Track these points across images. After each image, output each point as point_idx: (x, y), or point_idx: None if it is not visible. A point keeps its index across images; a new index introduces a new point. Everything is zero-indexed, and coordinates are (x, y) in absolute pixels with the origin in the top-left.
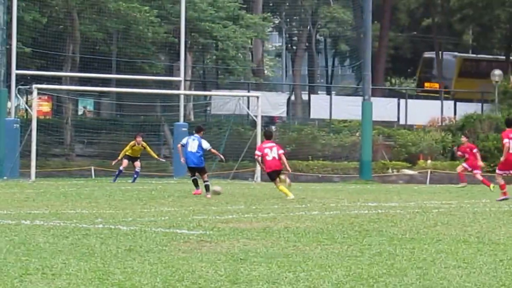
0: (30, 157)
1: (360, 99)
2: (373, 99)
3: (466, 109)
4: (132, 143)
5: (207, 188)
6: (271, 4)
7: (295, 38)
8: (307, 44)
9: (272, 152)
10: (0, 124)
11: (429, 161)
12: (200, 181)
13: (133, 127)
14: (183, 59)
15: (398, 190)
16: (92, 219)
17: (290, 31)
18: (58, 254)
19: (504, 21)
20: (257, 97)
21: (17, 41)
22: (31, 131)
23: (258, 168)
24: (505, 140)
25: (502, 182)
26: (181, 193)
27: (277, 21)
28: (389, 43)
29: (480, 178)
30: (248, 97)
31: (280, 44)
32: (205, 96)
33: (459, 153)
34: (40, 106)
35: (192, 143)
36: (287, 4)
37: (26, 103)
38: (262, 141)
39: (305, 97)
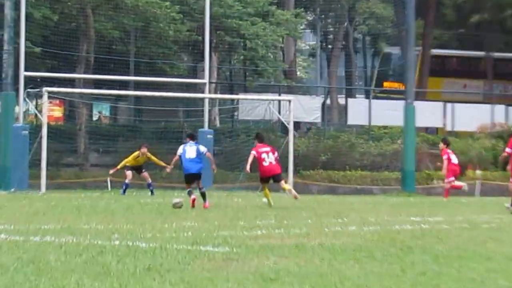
0: (40, 166)
1: (402, 103)
2: (416, 103)
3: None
4: (136, 153)
5: (204, 196)
6: None
7: (331, 36)
8: (343, 42)
9: (269, 157)
10: (8, 131)
11: (478, 171)
12: (196, 193)
13: (153, 134)
14: (207, 59)
15: (444, 203)
16: (108, 235)
17: (325, 29)
18: (70, 273)
19: None
20: (289, 101)
21: (26, 40)
22: (41, 138)
23: (291, 178)
24: None
25: None
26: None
27: (310, 18)
28: (433, 41)
29: None
30: (279, 101)
31: (314, 43)
32: (232, 100)
33: None
34: (51, 111)
35: (190, 149)
36: None
37: (36, 107)
38: (255, 145)
39: (341, 101)
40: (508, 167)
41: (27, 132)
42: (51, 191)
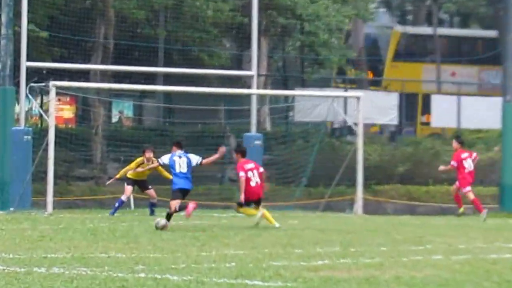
0: (45, 180)
1: (499, 100)
2: None
3: None
4: (139, 159)
5: (169, 217)
6: None
7: (410, 17)
8: (426, 25)
9: (254, 175)
10: (5, 136)
11: None
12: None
13: (187, 140)
14: (255, 46)
15: None
16: (131, 265)
17: (402, 8)
18: None
19: None
20: (358, 98)
21: (29, 22)
22: (47, 144)
23: (360, 195)
24: None
25: None
26: (253, 230)
27: None
28: None
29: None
30: (346, 98)
31: (389, 25)
32: (286, 96)
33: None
34: (59, 111)
35: (180, 161)
36: None
37: (41, 106)
38: (238, 161)
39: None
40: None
41: (29, 137)
42: (59, 211)
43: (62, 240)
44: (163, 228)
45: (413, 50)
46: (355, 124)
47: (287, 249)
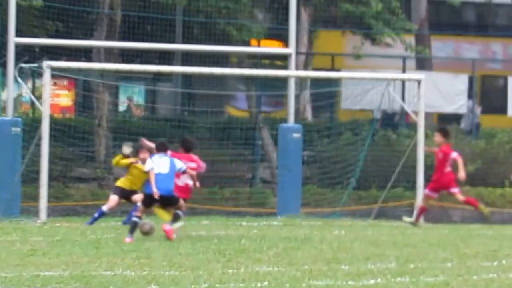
0: (38, 182)
1: None
2: None
3: None
4: (130, 160)
5: (175, 218)
6: None
7: None
8: None
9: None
10: None
11: None
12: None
13: (211, 133)
14: (293, 18)
15: None
16: (142, 285)
17: None
18: None
19: None
20: (419, 81)
21: None
22: (40, 139)
23: (420, 199)
24: None
25: None
26: (290, 242)
27: None
28: None
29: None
30: (403, 80)
31: None
32: (331, 79)
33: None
34: (55, 98)
35: (160, 161)
36: None
37: (33, 92)
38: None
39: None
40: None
41: (19, 129)
42: (55, 219)
43: (58, 255)
44: (148, 232)
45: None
46: (415, 113)
47: (331, 266)
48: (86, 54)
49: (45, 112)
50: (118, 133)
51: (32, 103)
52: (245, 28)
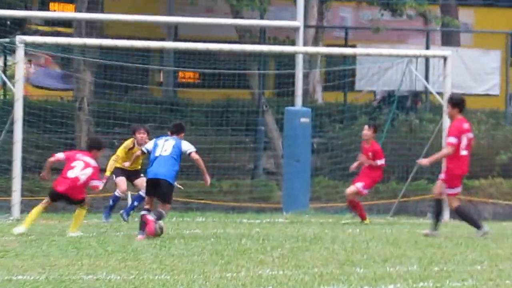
0: (10, 173)
1: None
2: None
3: None
4: (128, 142)
5: (159, 216)
6: None
7: None
8: None
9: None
10: None
11: None
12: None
13: (206, 115)
14: None
15: None
16: None
17: None
18: None
19: None
20: (445, 57)
21: None
22: (12, 124)
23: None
24: None
25: None
26: (297, 242)
27: None
28: None
29: None
30: (427, 57)
31: None
32: (344, 56)
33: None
34: (30, 77)
35: (165, 144)
36: None
37: (4, 71)
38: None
39: None
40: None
41: None
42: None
43: (34, 256)
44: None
45: None
46: (440, 94)
47: (344, 269)
48: (65, 27)
49: (18, 94)
50: (101, 117)
51: (4, 84)
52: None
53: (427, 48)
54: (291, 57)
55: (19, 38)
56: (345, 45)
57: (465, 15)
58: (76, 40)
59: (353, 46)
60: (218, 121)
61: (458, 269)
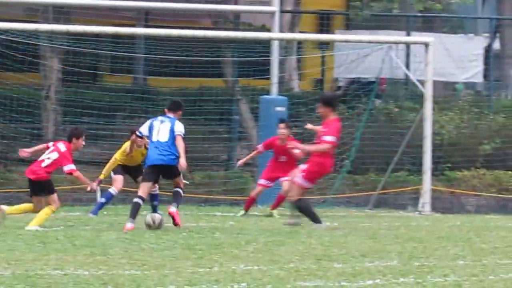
0: None
1: None
2: None
3: None
4: (126, 145)
5: (178, 201)
6: None
7: None
8: None
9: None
10: None
11: None
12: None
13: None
14: None
15: None
16: (97, 287)
17: None
18: None
19: None
20: (426, 44)
21: None
22: None
23: (428, 185)
24: None
25: None
26: (272, 236)
27: None
28: None
29: None
30: (408, 44)
31: None
32: (323, 43)
33: None
34: None
35: (162, 127)
36: None
37: None
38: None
39: None
40: None
41: None
42: None
43: None
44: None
45: None
46: (421, 82)
47: (322, 264)
48: (30, 11)
49: None
50: (69, 106)
51: None
52: None
53: (408, 34)
54: (267, 43)
55: None
56: (322, 31)
57: None
58: (43, 26)
59: (330, 31)
60: (191, 110)
61: (439, 264)
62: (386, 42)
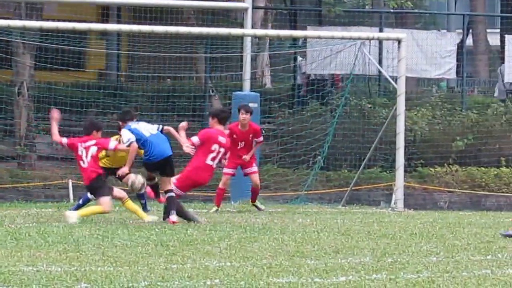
0: None
1: None
2: None
3: None
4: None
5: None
6: None
7: None
8: None
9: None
10: None
11: None
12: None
13: (152, 102)
14: None
15: None
16: (70, 283)
17: None
18: None
19: None
20: (399, 40)
21: None
22: None
23: (400, 181)
24: None
25: None
26: (245, 233)
27: None
28: None
29: None
30: (381, 40)
31: None
32: (295, 39)
33: None
34: None
35: (144, 127)
36: None
37: None
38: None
39: (494, 41)
40: None
41: None
42: None
43: None
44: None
45: None
46: (394, 78)
47: (294, 260)
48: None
49: None
50: (41, 102)
51: None
52: None
53: (381, 30)
54: (239, 39)
55: None
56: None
57: None
58: (16, 23)
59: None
60: (163, 107)
61: (412, 260)
62: (359, 38)
